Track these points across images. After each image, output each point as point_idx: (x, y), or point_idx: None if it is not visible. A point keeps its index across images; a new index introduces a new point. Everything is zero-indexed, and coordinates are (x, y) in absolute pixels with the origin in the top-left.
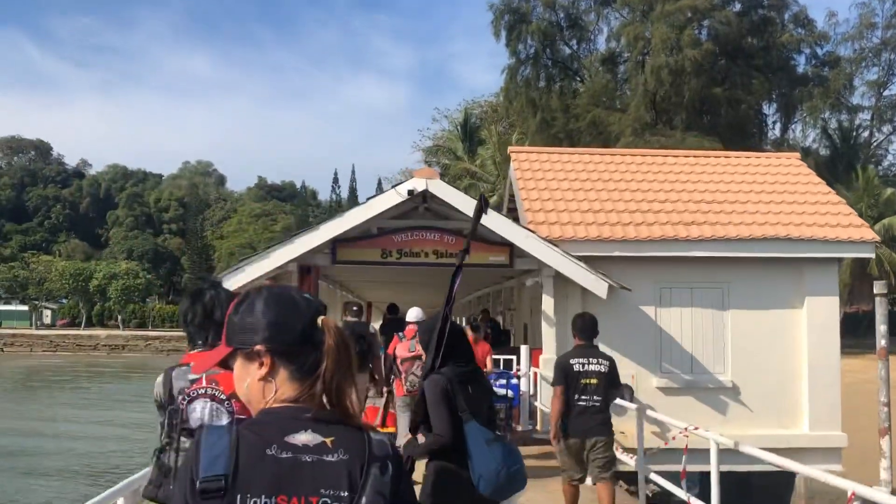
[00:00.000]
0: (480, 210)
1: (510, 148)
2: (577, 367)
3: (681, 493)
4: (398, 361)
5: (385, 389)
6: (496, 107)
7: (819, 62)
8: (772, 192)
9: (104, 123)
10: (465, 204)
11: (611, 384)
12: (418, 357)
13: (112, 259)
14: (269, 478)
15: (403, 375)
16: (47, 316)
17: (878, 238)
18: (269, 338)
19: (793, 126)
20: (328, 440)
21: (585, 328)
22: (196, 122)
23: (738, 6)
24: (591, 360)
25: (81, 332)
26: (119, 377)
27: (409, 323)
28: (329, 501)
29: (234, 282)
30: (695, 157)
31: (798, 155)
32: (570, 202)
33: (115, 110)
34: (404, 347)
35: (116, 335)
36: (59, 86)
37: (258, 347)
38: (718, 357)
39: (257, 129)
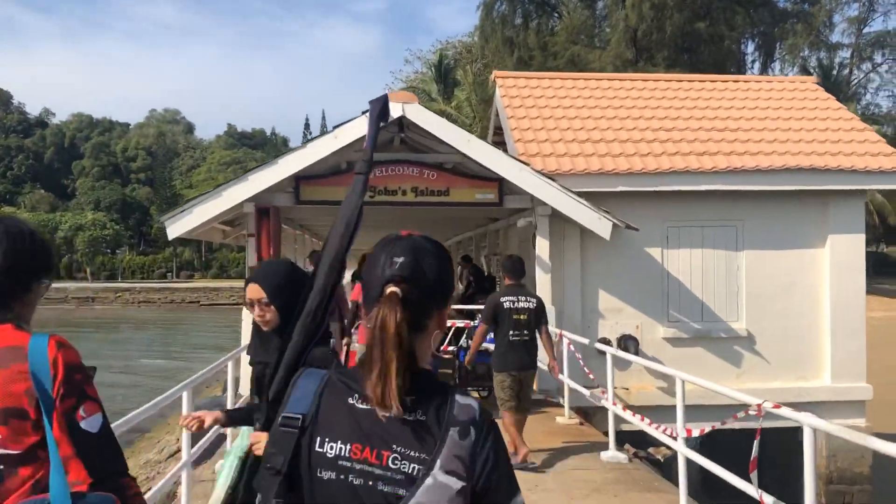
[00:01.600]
0: (385, 108)
1: (495, 72)
2: (507, 305)
3: (749, 488)
4: (362, 311)
5: (346, 340)
6: (471, 47)
7: None
8: (789, 118)
9: (67, 71)
10: (450, 133)
11: (538, 320)
12: None
13: (79, 210)
14: (345, 425)
15: None
16: None
17: None
18: (361, 289)
19: (773, 64)
20: (409, 398)
21: (514, 269)
22: (163, 69)
23: None
24: (520, 297)
25: None
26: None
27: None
28: (399, 458)
29: (181, 225)
30: (701, 81)
31: (815, 79)
32: (565, 131)
33: (77, 58)
34: None
35: (85, 287)
36: (18, 32)
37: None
38: (732, 303)
39: (226, 75)
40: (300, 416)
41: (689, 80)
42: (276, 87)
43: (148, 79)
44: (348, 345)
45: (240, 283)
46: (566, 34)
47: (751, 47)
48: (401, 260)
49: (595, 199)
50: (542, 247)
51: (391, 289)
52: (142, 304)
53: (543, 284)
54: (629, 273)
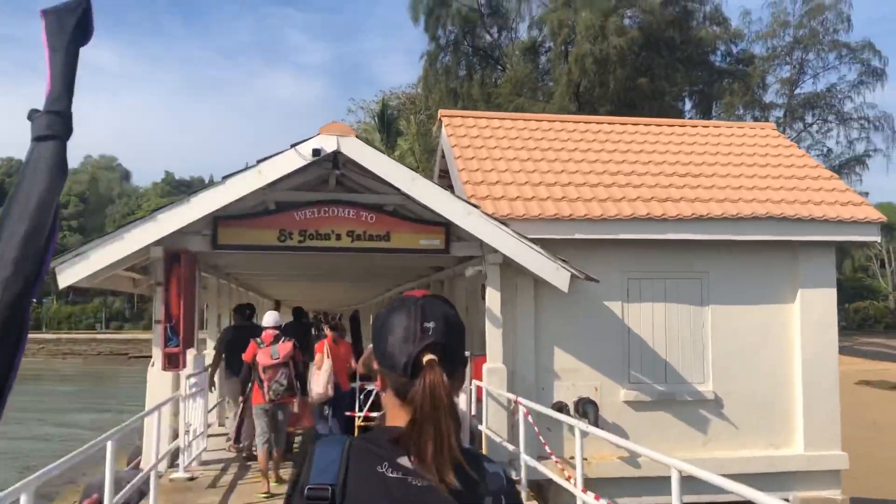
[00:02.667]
0: (85, 18)
1: (441, 112)
2: None
3: None
4: (260, 369)
5: (241, 398)
6: (414, 98)
7: (734, 59)
8: (752, 164)
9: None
10: (391, 171)
11: None
12: (283, 364)
13: None
14: (376, 494)
15: (267, 383)
16: None
17: (883, 217)
18: (380, 358)
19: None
20: None
21: None
22: (100, 115)
23: None
24: None
25: None
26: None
27: (267, 328)
28: None
29: (74, 272)
30: (658, 125)
31: (773, 125)
32: (517, 173)
33: (10, 101)
34: (266, 354)
35: None
36: None
37: (375, 364)
38: (697, 363)
39: (166, 123)
40: (329, 487)
41: (644, 124)
42: (216, 135)
43: (84, 124)
44: (245, 401)
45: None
46: (510, 86)
47: (688, 104)
48: (432, 325)
49: (550, 246)
50: (493, 299)
51: (429, 357)
52: (67, 356)
53: (493, 340)
54: (587, 329)
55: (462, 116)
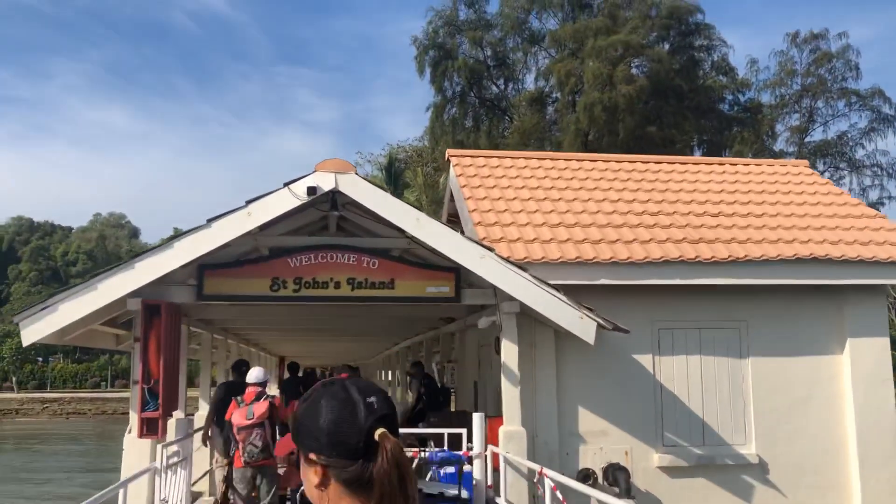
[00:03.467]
0: None
1: (449, 151)
2: None
3: None
4: (234, 430)
5: (225, 461)
6: (421, 151)
7: (742, 108)
8: (789, 202)
9: (9, 175)
10: (394, 210)
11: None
12: (258, 425)
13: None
14: None
15: (241, 445)
16: None
17: None
18: (322, 448)
19: None
20: None
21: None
22: (110, 174)
23: (667, 46)
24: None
25: None
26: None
27: (250, 385)
28: None
29: (41, 327)
30: (683, 164)
31: (806, 163)
32: (533, 214)
33: (22, 161)
34: (241, 414)
35: (10, 398)
36: None
37: (311, 456)
38: (738, 422)
39: (175, 180)
40: None
41: (668, 162)
42: (225, 192)
43: (93, 183)
44: (229, 477)
45: (192, 390)
46: (518, 136)
47: (698, 153)
48: (374, 399)
49: (572, 293)
50: (509, 352)
51: (382, 430)
52: (71, 416)
53: (511, 400)
54: (614, 386)
55: (471, 156)
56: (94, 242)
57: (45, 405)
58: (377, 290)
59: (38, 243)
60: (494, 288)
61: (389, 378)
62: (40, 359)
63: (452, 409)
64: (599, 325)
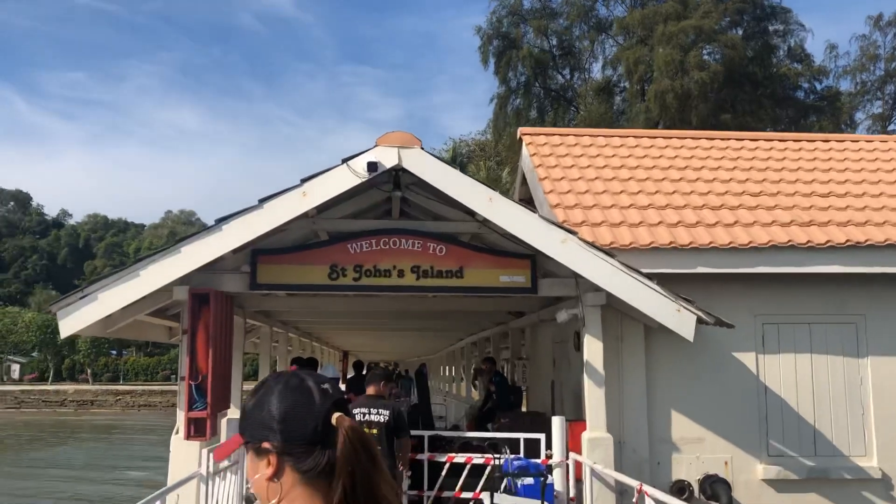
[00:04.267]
0: None
1: (521, 130)
2: (357, 417)
3: None
4: None
5: None
6: (484, 144)
7: (818, 97)
8: None
9: (87, 174)
10: (463, 188)
11: (393, 433)
12: None
13: None
14: None
15: None
16: (15, 371)
17: None
18: (276, 436)
19: None
20: None
21: (373, 378)
22: (181, 172)
23: (740, 32)
24: (372, 410)
25: (48, 386)
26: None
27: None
28: None
29: (78, 318)
30: (782, 140)
31: None
32: (618, 195)
33: (99, 162)
34: None
35: (85, 390)
36: (45, 138)
37: (265, 445)
38: (856, 430)
39: (243, 178)
40: None
41: (767, 139)
42: None
43: (165, 181)
44: None
45: (248, 385)
46: (584, 127)
47: None
48: (328, 386)
49: (664, 283)
50: (593, 350)
51: (339, 414)
52: (142, 408)
53: (595, 403)
54: (712, 388)
55: (546, 134)
56: (165, 239)
57: (118, 397)
58: (444, 279)
59: (112, 240)
60: (576, 277)
61: (452, 373)
62: (114, 352)
63: (524, 409)
64: (699, 320)
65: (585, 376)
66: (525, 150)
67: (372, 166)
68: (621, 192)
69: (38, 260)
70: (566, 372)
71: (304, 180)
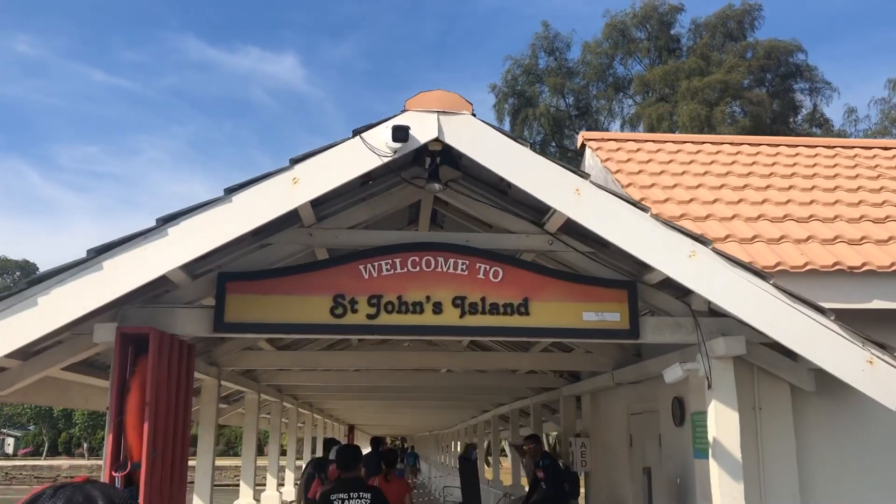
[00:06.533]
0: None
1: (583, 134)
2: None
3: None
4: None
5: None
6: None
7: None
8: None
9: (93, 242)
10: (541, 178)
11: None
12: None
13: None
14: None
15: None
16: (9, 445)
17: None
18: None
19: None
20: None
21: (348, 459)
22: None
23: (764, 89)
24: (352, 494)
25: (41, 461)
26: None
27: (333, 462)
28: None
29: None
30: None
31: None
32: (735, 205)
33: (106, 232)
34: None
35: (80, 465)
36: (56, 210)
37: None
38: None
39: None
40: None
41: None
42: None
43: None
44: None
45: (223, 463)
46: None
47: None
48: None
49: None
50: (726, 425)
51: None
52: None
53: (731, 501)
54: (886, 465)
55: (615, 139)
56: None
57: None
58: (502, 316)
59: None
60: (694, 315)
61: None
62: None
63: (583, 501)
64: None
65: (712, 461)
66: (591, 159)
67: (399, 134)
68: (739, 200)
69: None
70: (655, 454)
71: (294, 161)
